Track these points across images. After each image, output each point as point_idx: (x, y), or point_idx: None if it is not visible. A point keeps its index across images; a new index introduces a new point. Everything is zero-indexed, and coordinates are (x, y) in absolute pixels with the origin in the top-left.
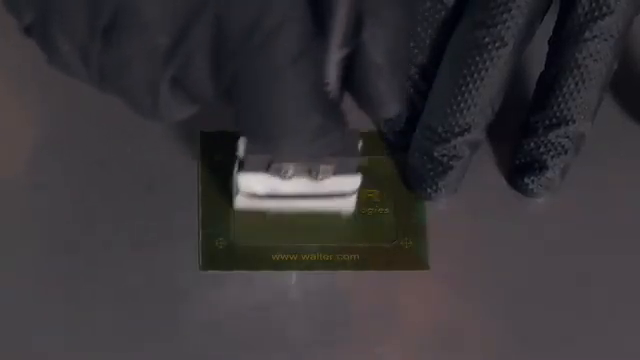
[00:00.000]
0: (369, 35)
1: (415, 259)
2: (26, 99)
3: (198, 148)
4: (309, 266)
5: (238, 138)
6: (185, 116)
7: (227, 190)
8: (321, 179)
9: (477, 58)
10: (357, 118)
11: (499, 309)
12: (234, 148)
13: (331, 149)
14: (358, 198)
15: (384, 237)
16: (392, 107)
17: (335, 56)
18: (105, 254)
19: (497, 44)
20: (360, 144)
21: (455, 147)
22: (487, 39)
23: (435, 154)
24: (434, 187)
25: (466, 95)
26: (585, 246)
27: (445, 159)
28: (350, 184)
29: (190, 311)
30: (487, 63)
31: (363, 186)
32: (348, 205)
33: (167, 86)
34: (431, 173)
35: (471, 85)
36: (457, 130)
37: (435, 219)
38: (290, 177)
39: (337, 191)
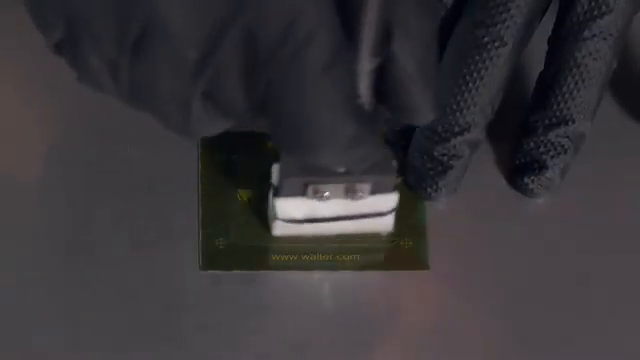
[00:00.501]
0: (399, 45)
1: (415, 259)
2: (26, 99)
3: (198, 148)
4: (309, 266)
5: (238, 138)
6: (218, 131)
7: (227, 190)
8: (358, 199)
9: (477, 58)
10: None
11: (499, 309)
12: (234, 148)
13: (367, 161)
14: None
15: (384, 237)
16: (428, 114)
17: (366, 67)
18: (105, 254)
19: (496, 44)
20: (395, 163)
21: (455, 147)
22: (486, 39)
23: (435, 154)
24: (434, 187)
25: (466, 95)
26: (585, 246)
27: (445, 159)
28: (387, 203)
29: (190, 311)
30: (487, 62)
31: None
32: (386, 224)
33: (199, 101)
34: (431, 173)
35: (471, 85)
36: (457, 129)
37: (435, 219)
38: (327, 198)
39: (374, 211)
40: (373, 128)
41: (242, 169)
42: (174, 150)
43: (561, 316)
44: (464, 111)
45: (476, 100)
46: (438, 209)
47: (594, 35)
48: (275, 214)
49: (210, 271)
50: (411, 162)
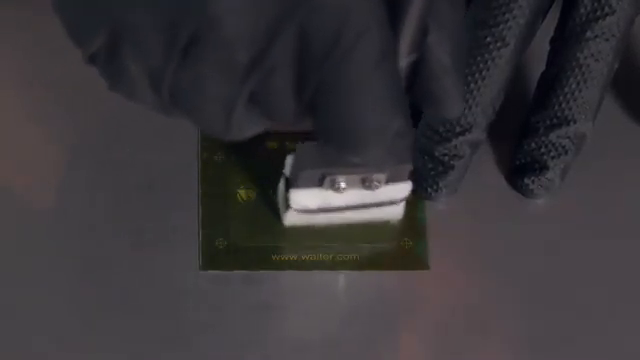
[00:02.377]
0: (435, 38)
1: (415, 259)
2: (26, 99)
3: (198, 148)
4: (309, 266)
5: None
6: (256, 133)
7: (227, 190)
8: (374, 188)
9: (478, 58)
10: None
11: (499, 309)
12: (234, 148)
13: (407, 154)
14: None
15: (384, 237)
16: (458, 105)
17: (403, 62)
18: (105, 254)
19: (498, 44)
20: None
21: (456, 147)
22: (488, 39)
23: (436, 154)
24: (435, 187)
25: (467, 95)
26: (585, 246)
27: (446, 158)
28: (401, 191)
29: (190, 311)
30: (488, 63)
31: None
32: (397, 213)
33: (243, 103)
34: (432, 173)
35: (472, 85)
36: (458, 130)
37: (435, 219)
38: (344, 189)
39: (388, 199)
40: (411, 121)
41: (242, 169)
42: (174, 150)
43: (561, 316)
44: (465, 111)
45: (477, 100)
46: (438, 209)
47: (596, 36)
48: (288, 204)
49: (210, 271)
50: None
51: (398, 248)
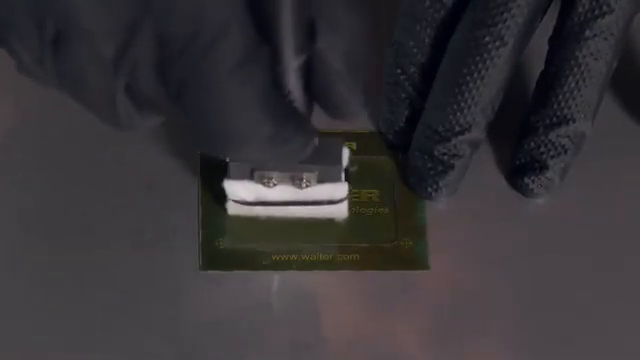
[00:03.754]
0: (325, 41)
1: (415, 259)
2: (26, 99)
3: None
4: (309, 266)
5: None
6: (149, 125)
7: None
8: (305, 187)
9: (477, 58)
10: (358, 119)
11: (499, 309)
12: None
13: (294, 158)
14: (358, 198)
15: (384, 237)
16: (357, 111)
17: (292, 64)
18: (105, 254)
19: (497, 43)
20: (346, 152)
21: (456, 146)
22: (487, 38)
23: (436, 153)
24: (435, 186)
25: (466, 94)
26: (585, 246)
27: (446, 158)
28: (337, 192)
29: (190, 311)
30: (487, 62)
31: (363, 186)
32: (340, 211)
33: (122, 94)
34: (432, 172)
35: (471, 84)
36: (457, 129)
37: (435, 219)
38: (274, 185)
39: (324, 199)
40: (300, 125)
41: None
42: (174, 150)
43: (561, 316)
44: (465, 111)
45: (477, 100)
46: (438, 209)
47: (595, 35)
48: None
49: (210, 271)
50: (412, 162)
51: (398, 248)
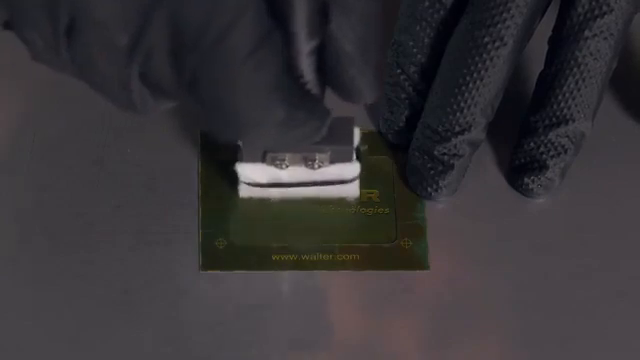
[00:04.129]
0: (336, 24)
1: (415, 259)
2: (26, 98)
3: (198, 148)
4: (309, 266)
5: None
6: (163, 109)
7: (227, 190)
8: (318, 168)
9: (477, 58)
10: (358, 119)
11: (499, 309)
12: (234, 148)
13: (308, 140)
14: (358, 198)
15: (384, 237)
16: (368, 94)
17: (305, 48)
18: (105, 254)
19: (496, 44)
20: (357, 132)
21: (455, 146)
22: (486, 39)
23: (436, 153)
24: (435, 186)
25: (466, 94)
26: (585, 246)
27: (446, 158)
28: (349, 172)
29: (190, 311)
30: (487, 63)
31: (363, 186)
32: (352, 191)
33: (137, 81)
34: (432, 172)
35: (471, 84)
36: (457, 129)
37: (435, 219)
38: (287, 166)
39: (336, 178)
40: (314, 108)
41: None
42: (174, 150)
43: (561, 316)
44: (464, 111)
45: (476, 100)
46: (438, 209)
47: (595, 35)
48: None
49: (210, 271)
50: (412, 162)
51: (398, 248)
